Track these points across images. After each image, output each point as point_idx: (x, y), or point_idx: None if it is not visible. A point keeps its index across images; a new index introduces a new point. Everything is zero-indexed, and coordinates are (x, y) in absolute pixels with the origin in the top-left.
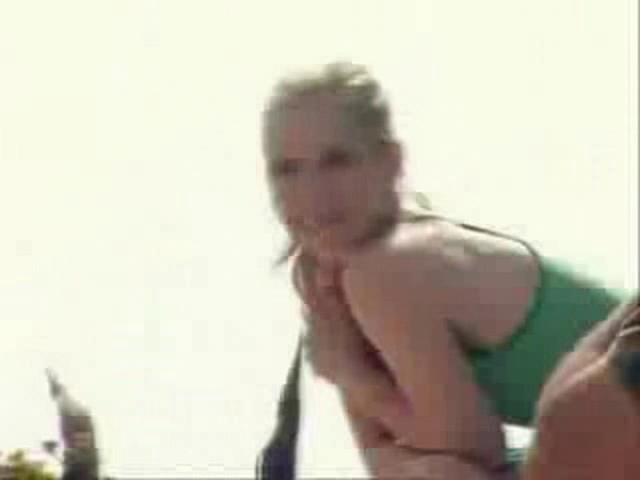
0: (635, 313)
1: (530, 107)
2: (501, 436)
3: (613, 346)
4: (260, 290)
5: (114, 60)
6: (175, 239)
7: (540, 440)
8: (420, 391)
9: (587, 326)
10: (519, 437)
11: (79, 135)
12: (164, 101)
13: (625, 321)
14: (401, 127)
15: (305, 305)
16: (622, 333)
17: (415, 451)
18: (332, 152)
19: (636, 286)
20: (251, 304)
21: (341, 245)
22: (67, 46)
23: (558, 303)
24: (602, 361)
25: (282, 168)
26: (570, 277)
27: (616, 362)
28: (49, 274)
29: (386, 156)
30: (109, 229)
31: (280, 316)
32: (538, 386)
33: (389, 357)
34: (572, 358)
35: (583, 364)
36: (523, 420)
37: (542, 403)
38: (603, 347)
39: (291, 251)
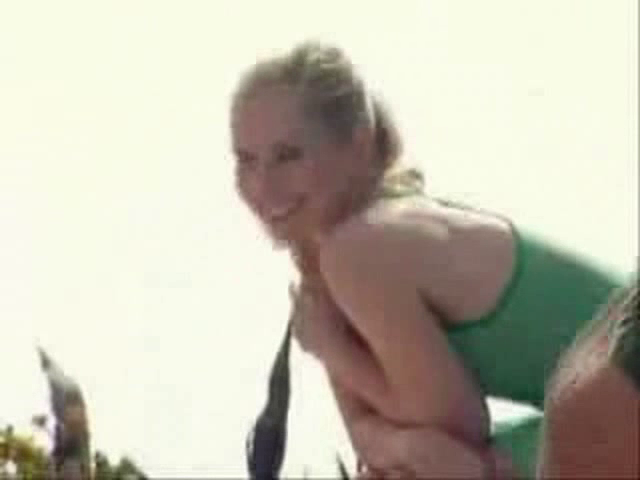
0: (629, 308)
1: (530, 101)
2: (483, 410)
3: (612, 344)
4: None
5: (114, 59)
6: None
7: (551, 448)
8: (399, 367)
9: (568, 302)
10: (500, 410)
11: (82, 136)
12: (169, 102)
13: (622, 317)
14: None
15: (292, 282)
16: (620, 330)
17: (398, 426)
18: (284, 145)
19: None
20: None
21: (304, 231)
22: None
23: (537, 279)
24: (603, 360)
25: (239, 159)
26: (551, 253)
27: (616, 359)
28: (43, 256)
29: (350, 142)
30: (110, 227)
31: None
32: (515, 360)
33: (366, 334)
34: (573, 358)
35: (586, 365)
36: (502, 394)
37: (549, 410)
38: (604, 345)
39: None
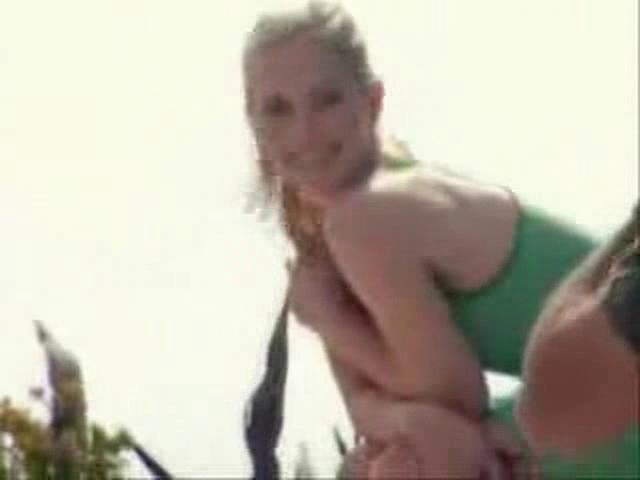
0: (625, 256)
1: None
2: (483, 381)
3: (604, 288)
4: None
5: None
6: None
7: (531, 382)
8: (400, 338)
9: (565, 272)
10: (499, 384)
11: (83, 134)
12: (169, 102)
13: (616, 263)
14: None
15: (289, 254)
16: (614, 275)
17: (397, 399)
18: (323, 91)
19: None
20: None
21: (334, 182)
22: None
23: (538, 249)
24: (593, 302)
25: (273, 107)
26: (552, 223)
27: (608, 304)
28: (44, 238)
29: (368, 94)
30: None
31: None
32: (515, 331)
33: (368, 303)
34: (559, 298)
35: (572, 306)
36: (502, 365)
37: (532, 347)
38: (591, 286)
39: (262, 192)
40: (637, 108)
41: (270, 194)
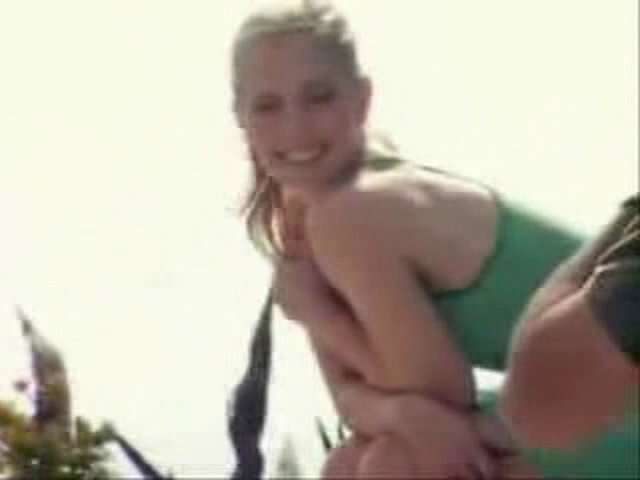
0: (612, 250)
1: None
2: (469, 376)
3: (590, 282)
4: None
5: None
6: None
7: (515, 376)
8: (385, 335)
9: (550, 269)
10: (484, 379)
11: (83, 135)
12: (166, 106)
13: (602, 257)
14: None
15: (274, 248)
16: (599, 269)
17: (384, 391)
18: (316, 88)
19: None
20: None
21: (322, 181)
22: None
23: (521, 247)
24: (578, 297)
25: (264, 104)
26: (535, 221)
27: (593, 298)
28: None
29: (358, 92)
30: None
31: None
32: (499, 329)
33: (351, 300)
34: (545, 292)
35: (557, 299)
36: (487, 362)
37: (516, 339)
38: (577, 281)
39: (253, 196)
40: (637, 108)
41: (259, 193)
